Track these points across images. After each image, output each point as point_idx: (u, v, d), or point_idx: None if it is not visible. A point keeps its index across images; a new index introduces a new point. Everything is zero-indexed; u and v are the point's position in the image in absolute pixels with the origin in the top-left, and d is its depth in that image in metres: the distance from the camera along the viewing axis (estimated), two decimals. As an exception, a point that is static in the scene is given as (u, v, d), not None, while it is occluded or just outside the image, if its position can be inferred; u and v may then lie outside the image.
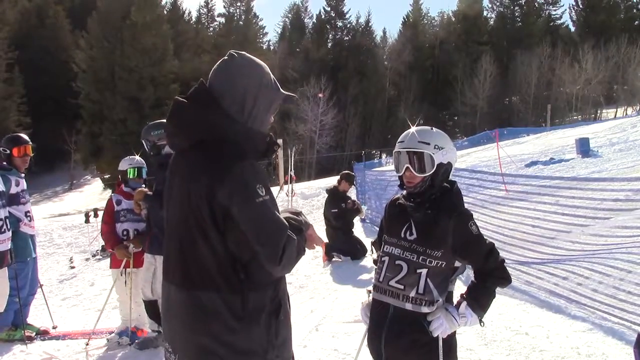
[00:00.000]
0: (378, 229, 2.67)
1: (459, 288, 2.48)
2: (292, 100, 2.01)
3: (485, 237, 2.36)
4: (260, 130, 1.88)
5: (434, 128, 2.38)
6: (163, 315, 1.94)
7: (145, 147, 4.51)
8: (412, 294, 2.27)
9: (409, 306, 2.27)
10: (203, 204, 1.71)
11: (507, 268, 2.39)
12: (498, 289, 2.36)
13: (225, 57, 1.87)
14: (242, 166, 1.72)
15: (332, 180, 9.67)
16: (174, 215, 1.84)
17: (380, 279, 2.36)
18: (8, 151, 4.88)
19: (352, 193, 10.88)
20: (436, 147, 2.28)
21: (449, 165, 2.34)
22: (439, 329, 2.23)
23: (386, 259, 2.37)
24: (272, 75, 1.91)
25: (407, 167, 2.30)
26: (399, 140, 2.36)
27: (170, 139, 1.93)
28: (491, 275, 2.31)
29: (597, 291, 4.50)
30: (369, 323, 2.45)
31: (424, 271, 2.27)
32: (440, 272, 2.28)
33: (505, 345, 4.08)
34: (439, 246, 2.26)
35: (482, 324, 2.33)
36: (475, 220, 2.37)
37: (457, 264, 2.34)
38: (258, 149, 1.87)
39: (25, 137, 5.14)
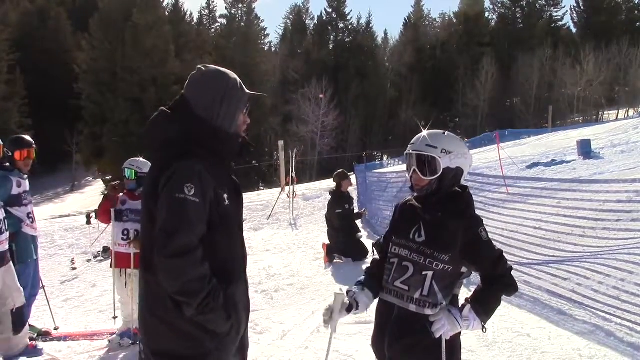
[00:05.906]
0: (382, 232, 2.65)
1: (464, 292, 2.48)
2: (258, 97, 2.24)
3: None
4: (230, 131, 2.05)
5: (446, 132, 2.38)
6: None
7: None
8: (417, 295, 2.27)
9: (412, 307, 2.27)
10: (150, 192, 1.93)
11: (510, 271, 2.37)
12: (502, 296, 2.35)
13: (194, 72, 2.11)
14: (182, 163, 1.88)
15: (333, 182, 9.64)
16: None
17: (389, 280, 2.36)
18: (10, 153, 4.82)
19: (353, 194, 10.87)
20: (444, 151, 2.27)
21: (459, 170, 2.33)
22: (441, 330, 2.22)
23: (395, 260, 2.36)
24: (238, 81, 2.11)
25: (414, 170, 2.31)
26: (411, 142, 2.37)
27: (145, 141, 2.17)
28: (498, 282, 2.30)
29: (598, 292, 4.49)
30: (374, 323, 2.43)
31: (429, 273, 2.26)
32: (446, 275, 2.27)
33: (507, 347, 4.08)
34: (447, 250, 2.25)
35: (484, 329, 2.31)
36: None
37: (464, 268, 2.33)
38: (232, 150, 2.08)
39: (29, 139, 4.99)
